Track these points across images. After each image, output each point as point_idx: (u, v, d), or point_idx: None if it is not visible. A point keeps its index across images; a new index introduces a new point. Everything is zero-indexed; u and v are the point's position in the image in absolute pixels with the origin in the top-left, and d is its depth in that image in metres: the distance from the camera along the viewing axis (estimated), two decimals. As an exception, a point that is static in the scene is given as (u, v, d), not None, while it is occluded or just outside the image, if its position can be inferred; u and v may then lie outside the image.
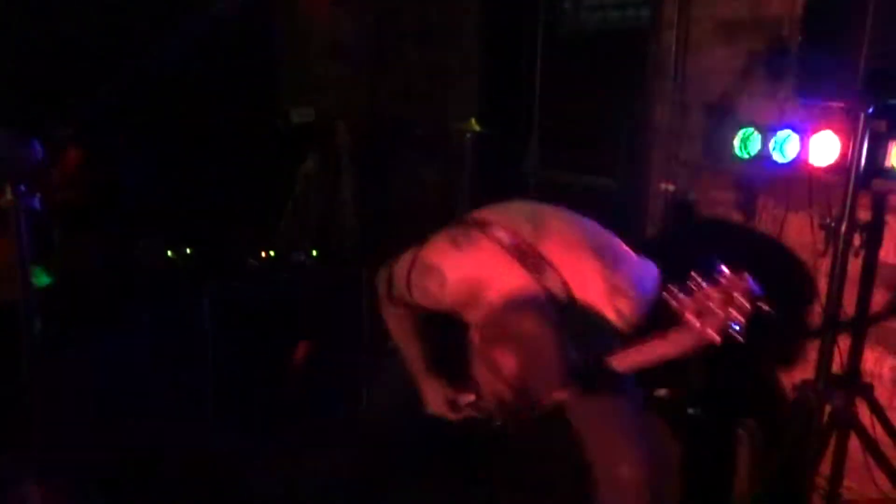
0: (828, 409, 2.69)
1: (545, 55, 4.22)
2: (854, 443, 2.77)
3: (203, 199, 3.54)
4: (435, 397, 2.15)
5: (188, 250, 3.42)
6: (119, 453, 2.98)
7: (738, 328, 1.56)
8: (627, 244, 2.07)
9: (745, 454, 2.83)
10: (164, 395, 3.37)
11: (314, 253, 3.54)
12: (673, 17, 3.43)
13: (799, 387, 2.73)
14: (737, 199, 3.28)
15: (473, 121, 4.19)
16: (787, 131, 2.79)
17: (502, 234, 1.89)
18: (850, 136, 2.51)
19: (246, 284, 3.40)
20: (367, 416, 3.20)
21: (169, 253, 3.43)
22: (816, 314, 2.90)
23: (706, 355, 1.77)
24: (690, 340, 1.64)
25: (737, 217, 3.29)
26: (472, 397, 2.08)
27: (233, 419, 3.23)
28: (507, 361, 1.72)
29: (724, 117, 3.17)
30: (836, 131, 2.62)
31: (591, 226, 2.03)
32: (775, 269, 3.11)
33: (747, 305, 1.53)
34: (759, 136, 2.91)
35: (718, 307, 1.55)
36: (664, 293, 1.64)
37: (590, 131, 4.09)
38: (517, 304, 1.81)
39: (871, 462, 2.69)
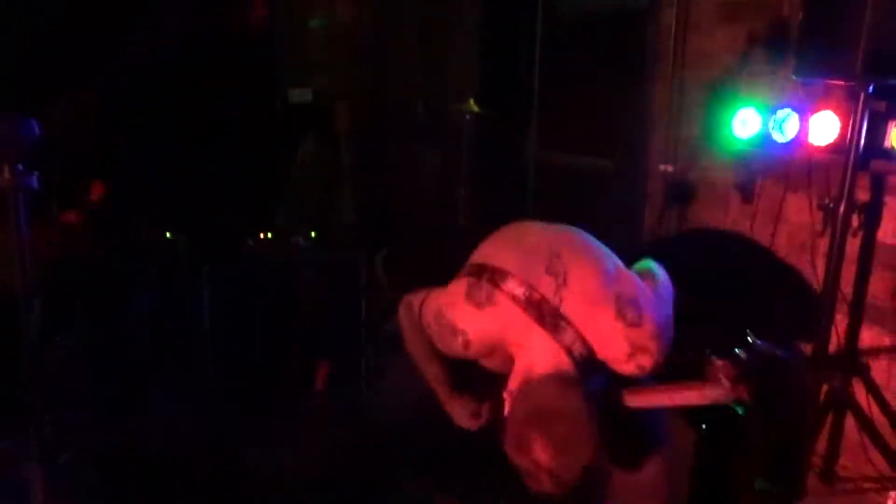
0: (825, 388, 2.70)
1: (545, 36, 4.20)
2: (850, 422, 2.78)
3: (202, 180, 3.53)
4: (461, 413, 2.14)
5: (186, 233, 3.42)
6: (119, 437, 3.00)
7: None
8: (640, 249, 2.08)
9: (743, 435, 2.85)
10: (163, 378, 3.38)
11: (313, 235, 3.53)
12: (673, -4, 3.42)
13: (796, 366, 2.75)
14: (736, 179, 3.28)
15: (473, 102, 4.18)
16: (787, 111, 2.79)
17: (516, 289, 1.83)
18: (849, 115, 2.51)
19: (245, 266, 3.41)
20: (372, 416, 3.23)
21: (168, 235, 3.43)
22: (814, 294, 2.91)
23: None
24: (722, 395, 1.74)
25: (735, 197, 3.29)
26: (489, 407, 2.10)
27: (232, 401, 3.25)
28: (538, 448, 1.68)
29: (723, 97, 3.17)
30: (836, 111, 2.62)
31: (609, 261, 1.93)
32: (772, 250, 3.13)
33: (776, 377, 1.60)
34: (759, 116, 2.91)
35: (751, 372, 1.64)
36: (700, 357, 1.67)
37: (589, 112, 4.07)
38: (546, 382, 1.78)
39: (867, 441, 2.71)
